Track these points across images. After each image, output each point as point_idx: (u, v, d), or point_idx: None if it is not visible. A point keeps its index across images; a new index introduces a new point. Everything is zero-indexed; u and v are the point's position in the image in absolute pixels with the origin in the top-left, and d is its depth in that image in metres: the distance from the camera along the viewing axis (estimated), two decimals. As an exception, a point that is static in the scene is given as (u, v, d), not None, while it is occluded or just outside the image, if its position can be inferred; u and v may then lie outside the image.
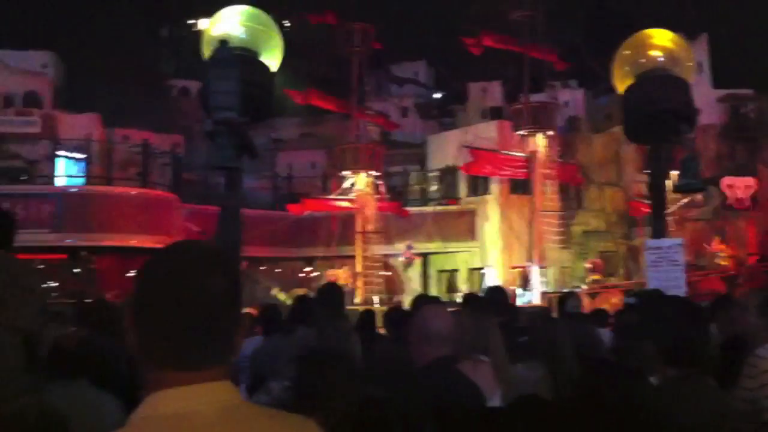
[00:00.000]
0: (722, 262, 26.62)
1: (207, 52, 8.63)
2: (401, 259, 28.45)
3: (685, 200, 28.08)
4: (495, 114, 37.12)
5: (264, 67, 8.72)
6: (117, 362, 3.87)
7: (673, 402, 2.38)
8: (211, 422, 1.34)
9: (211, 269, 1.43)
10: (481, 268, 29.88)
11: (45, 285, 23.35)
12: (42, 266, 24.32)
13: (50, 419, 2.38)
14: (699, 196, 30.06)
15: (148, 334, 1.39)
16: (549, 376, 4.30)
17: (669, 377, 2.68)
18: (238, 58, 8.04)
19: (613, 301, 20.46)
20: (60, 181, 27.13)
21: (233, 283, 1.46)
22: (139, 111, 36.83)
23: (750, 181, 29.44)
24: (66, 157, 29.04)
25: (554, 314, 10.18)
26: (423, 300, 6.47)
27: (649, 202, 11.67)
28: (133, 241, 23.57)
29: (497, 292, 7.18)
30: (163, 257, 1.45)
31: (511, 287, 27.39)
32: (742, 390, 3.71)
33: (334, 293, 5.85)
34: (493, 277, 27.57)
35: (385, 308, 15.04)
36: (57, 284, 24.12)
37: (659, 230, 10.43)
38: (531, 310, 18.87)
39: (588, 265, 28.80)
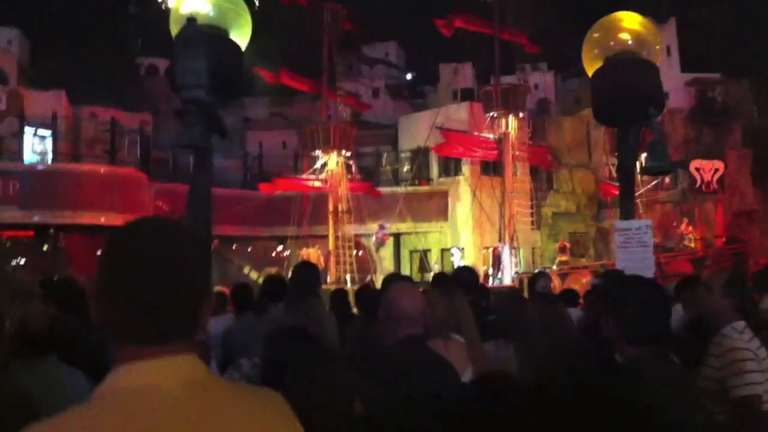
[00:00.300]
0: (690, 244, 27.02)
1: (175, 29, 8.49)
2: (373, 239, 28.50)
3: (654, 183, 28.42)
4: (466, 95, 37.14)
5: (233, 46, 8.60)
6: (85, 339, 3.84)
7: (636, 380, 2.42)
8: (175, 395, 1.33)
9: (176, 244, 1.42)
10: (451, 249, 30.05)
11: (12, 263, 23.12)
12: (8, 244, 24.05)
13: (14, 396, 2.36)
14: (667, 179, 30.49)
15: (112, 307, 1.38)
16: (518, 355, 4.35)
17: (630, 356, 2.72)
18: (206, 35, 7.90)
19: (582, 282, 20.67)
20: (27, 158, 26.73)
21: (199, 258, 1.45)
22: (106, 89, 36.37)
23: (717, 164, 29.84)
24: (33, 134, 28.63)
25: (525, 294, 10.27)
26: (394, 279, 6.49)
27: (618, 184, 11.77)
28: (102, 219, 23.33)
29: (466, 271, 7.21)
30: (129, 231, 1.44)
31: (483, 267, 27.59)
32: (707, 369, 3.77)
33: (309, 272, 5.83)
34: (460, 257, 27.71)
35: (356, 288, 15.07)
36: (24, 262, 23.88)
37: (628, 212, 10.53)
38: (501, 291, 19.04)
39: (557, 246, 29.08)
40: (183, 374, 1.37)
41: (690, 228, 28.12)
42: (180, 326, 1.41)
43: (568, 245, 29.32)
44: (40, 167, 25.46)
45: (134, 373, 1.34)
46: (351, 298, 8.58)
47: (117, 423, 1.27)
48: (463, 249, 29.18)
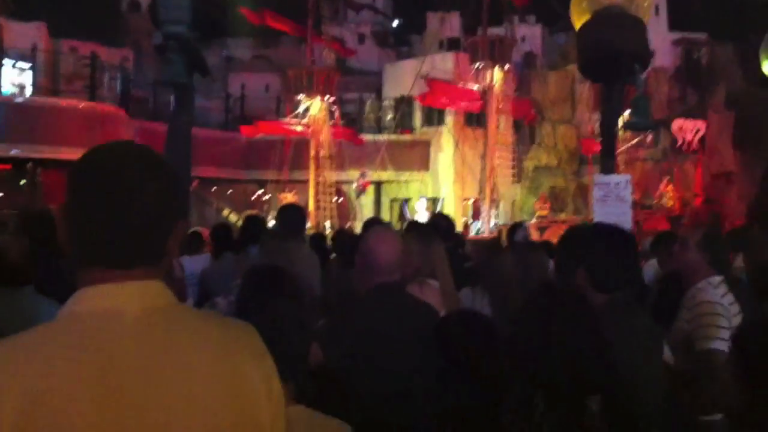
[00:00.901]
0: (669, 203, 27.26)
1: (160, -38, 8.33)
2: (354, 186, 28.46)
3: (636, 140, 28.51)
4: (452, 45, 36.82)
5: (219, -19, 8.49)
6: (60, 271, 3.82)
7: (609, 324, 2.45)
8: (138, 318, 1.32)
9: (146, 168, 1.40)
10: (433, 199, 30.14)
11: (-12, 196, 22.92)
12: (-15, 177, 23.80)
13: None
14: (649, 138, 30.57)
15: (77, 228, 1.37)
16: (492, 302, 4.40)
17: (599, 304, 2.75)
18: (192, -30, 7.79)
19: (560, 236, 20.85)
20: (5, 90, 26.25)
21: (169, 184, 1.43)
22: (87, 23, 35.64)
23: (699, 124, 29.86)
24: (12, 66, 28.08)
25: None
26: (374, 224, 6.50)
27: (601, 140, 11.79)
28: (80, 155, 23.10)
29: (442, 218, 7.25)
30: (98, 152, 1.42)
31: (463, 218, 27.73)
32: (679, 322, 3.81)
33: (294, 215, 5.80)
34: (425, 208, 27.78)
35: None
36: (1, 195, 23.66)
37: (609, 167, 10.59)
38: (480, 241, 19.16)
39: (540, 199, 29.23)
40: (146, 300, 1.35)
41: (670, 187, 28.35)
42: (149, 253, 1.40)
43: (545, 198, 29.53)
44: (18, 100, 25.03)
45: (100, 296, 1.33)
46: (329, 243, 8.62)
47: (74, 345, 1.26)
48: (434, 200, 29.31)
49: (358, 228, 21.66)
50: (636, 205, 22.54)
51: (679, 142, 29.34)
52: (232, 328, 1.47)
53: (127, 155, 1.41)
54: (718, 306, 3.67)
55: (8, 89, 26.59)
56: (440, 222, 6.94)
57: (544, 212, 28.46)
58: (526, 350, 2.15)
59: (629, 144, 28.30)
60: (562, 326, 2.14)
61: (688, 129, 29.29)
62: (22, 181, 24.27)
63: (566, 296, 2.32)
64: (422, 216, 26.16)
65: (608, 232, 2.94)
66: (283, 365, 2.24)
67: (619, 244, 2.85)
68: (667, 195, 27.72)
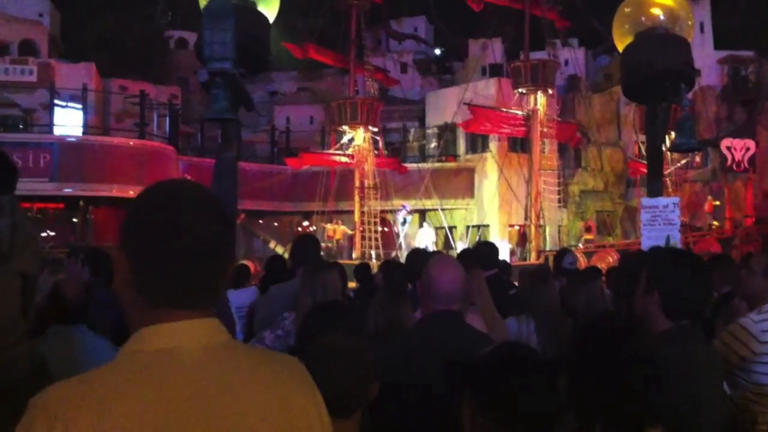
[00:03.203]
0: (714, 223, 26.80)
1: (203, 2, 8.52)
2: (398, 216, 28.48)
3: (684, 161, 28.09)
4: (494, 71, 36.81)
5: (261, 17, 8.60)
6: (114, 309, 3.89)
7: (673, 353, 2.41)
8: (197, 357, 1.36)
9: (207, 211, 1.44)
10: (478, 226, 30.01)
11: (42, 234, 23.45)
12: (39, 215, 24.37)
13: (34, 365, 2.40)
14: (697, 158, 30.11)
15: (143, 271, 1.40)
16: (539, 330, 4.36)
17: (665, 330, 2.70)
18: (234, 7, 7.93)
19: (608, 261, 20.54)
20: (58, 131, 26.97)
21: (226, 227, 1.47)
22: (136, 62, 36.53)
23: (749, 143, 29.32)
24: (63, 106, 28.87)
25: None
26: (417, 254, 6.49)
27: (647, 162, 11.64)
28: (130, 192, 23.55)
29: (485, 245, 7.21)
30: (159, 195, 1.45)
31: (509, 245, 27.53)
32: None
33: (306, 244, 5.68)
34: (426, 239, 27.30)
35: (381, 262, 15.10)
36: (53, 234, 24.18)
37: (656, 190, 10.44)
38: (527, 267, 18.98)
39: (583, 226, 28.89)
40: (206, 338, 1.40)
41: (712, 207, 27.90)
42: (212, 292, 1.45)
43: (593, 224, 29.15)
44: (70, 140, 25.70)
45: (161, 335, 1.37)
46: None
47: (138, 382, 1.30)
48: (478, 227, 29.19)
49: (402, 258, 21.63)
50: (685, 227, 22.15)
51: (729, 162, 28.82)
52: (285, 364, 1.52)
53: (188, 197, 1.44)
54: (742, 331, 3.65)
55: (61, 130, 27.28)
56: (483, 249, 6.90)
57: (590, 237, 28.10)
58: (584, 381, 2.12)
59: (677, 165, 27.89)
60: (622, 356, 2.10)
61: (737, 148, 28.76)
62: (74, 219, 24.80)
63: (625, 325, 2.28)
64: (425, 244, 25.81)
65: (686, 257, 2.90)
66: (343, 400, 2.27)
67: (696, 271, 2.80)
68: (711, 215, 27.32)
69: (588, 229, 28.40)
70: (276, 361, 1.52)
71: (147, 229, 1.40)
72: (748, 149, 29.02)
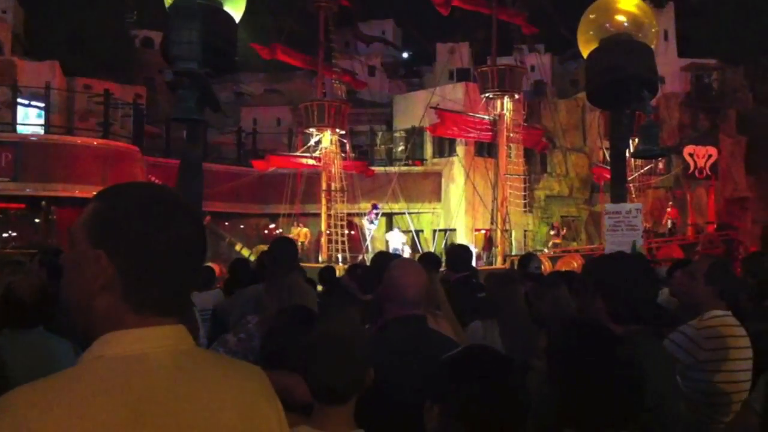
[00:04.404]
0: (667, 226, 27.39)
1: (169, 1, 8.44)
2: (365, 219, 28.47)
3: (647, 168, 28.46)
4: (462, 76, 37.01)
5: (227, 18, 8.56)
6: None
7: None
8: (162, 364, 1.36)
9: (190, 214, 1.46)
10: (445, 230, 30.11)
11: (3, 235, 23.06)
12: (0, 216, 23.96)
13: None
14: (661, 165, 30.52)
15: (138, 273, 1.38)
16: (503, 335, 4.37)
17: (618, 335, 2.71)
18: (200, 7, 7.88)
19: (573, 265, 20.73)
20: (20, 130, 26.52)
21: (205, 234, 1.50)
22: (101, 61, 36.06)
23: (711, 150, 29.82)
24: (26, 104, 28.41)
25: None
26: (383, 257, 6.48)
27: (611, 168, 11.77)
28: (94, 193, 22.99)
29: (461, 249, 7.23)
30: (145, 195, 1.45)
31: (475, 249, 27.64)
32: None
33: (286, 248, 5.73)
34: (397, 241, 27.43)
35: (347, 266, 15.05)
36: (15, 234, 23.77)
37: (619, 195, 10.55)
38: (494, 272, 19.05)
39: (552, 230, 29.08)
40: (173, 344, 1.40)
41: (674, 212, 28.35)
42: (186, 297, 1.51)
43: (558, 225, 29.43)
44: (32, 139, 25.29)
45: (127, 341, 1.36)
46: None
47: (105, 387, 1.29)
48: (445, 231, 29.28)
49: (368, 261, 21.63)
50: (648, 233, 22.43)
51: (691, 169, 29.28)
52: (248, 372, 1.54)
53: (169, 200, 1.45)
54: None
55: (23, 129, 26.85)
56: (456, 251, 6.93)
57: (558, 240, 28.32)
58: (557, 386, 2.12)
59: (640, 171, 28.25)
60: (593, 361, 2.11)
61: (699, 155, 29.24)
62: (36, 220, 24.42)
63: (595, 330, 2.28)
64: (396, 246, 25.95)
65: (627, 261, 2.91)
66: (339, 387, 2.33)
67: (636, 275, 2.81)
68: (673, 221, 27.74)
69: (557, 232, 28.64)
70: (240, 369, 1.53)
71: (140, 231, 1.39)
72: (710, 156, 29.52)
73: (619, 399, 2.04)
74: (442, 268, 7.74)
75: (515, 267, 14.73)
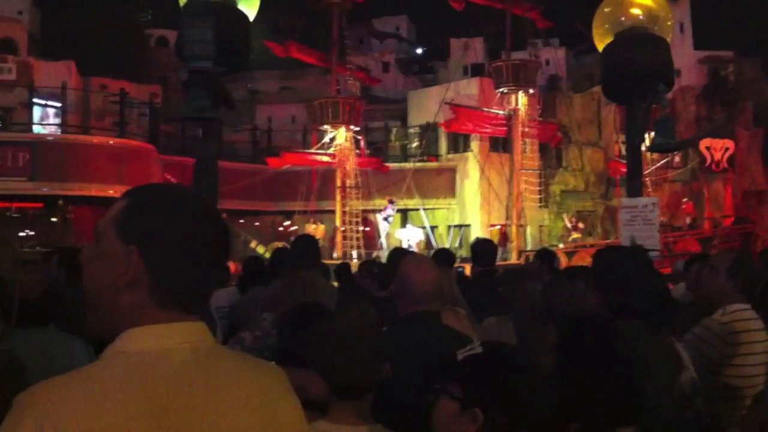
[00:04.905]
0: (687, 221, 27.17)
1: (183, 0, 8.48)
2: (380, 215, 28.47)
3: (664, 161, 28.29)
4: (476, 71, 36.89)
5: (241, 16, 8.58)
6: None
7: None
8: (185, 360, 1.37)
9: (217, 213, 1.50)
10: (460, 226, 30.05)
11: (20, 234, 23.23)
12: (17, 215, 24.12)
13: (9, 365, 2.38)
14: (677, 158, 30.33)
15: (170, 269, 1.40)
16: (517, 331, 4.35)
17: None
18: (213, 6, 7.91)
19: (588, 261, 20.63)
20: (36, 129, 26.69)
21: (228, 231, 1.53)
22: (116, 60, 36.25)
23: (728, 143, 29.63)
24: (42, 104, 28.60)
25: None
26: (399, 254, 6.48)
27: (626, 162, 11.71)
28: (110, 192, 23.36)
29: (486, 243, 7.24)
30: (177, 194, 1.48)
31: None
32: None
33: (307, 245, 5.78)
34: (412, 238, 27.25)
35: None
36: (33, 233, 23.94)
37: (635, 190, 10.50)
38: (510, 268, 19.00)
39: (569, 224, 28.94)
40: (193, 341, 1.41)
41: (690, 207, 28.15)
42: (208, 295, 1.54)
43: (580, 223, 29.25)
44: (49, 138, 25.45)
45: (149, 337, 1.37)
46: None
47: (127, 383, 1.30)
48: (461, 226, 29.20)
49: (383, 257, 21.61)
50: (665, 227, 22.29)
51: (708, 162, 29.07)
52: (268, 370, 1.55)
53: (198, 199, 1.49)
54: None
55: (40, 128, 27.02)
56: (482, 246, 6.94)
57: (578, 235, 28.16)
58: (560, 383, 2.12)
59: (657, 165, 28.08)
60: (595, 357, 2.10)
61: (716, 148, 29.04)
62: (53, 219, 24.58)
63: (596, 326, 2.28)
64: (409, 245, 25.81)
65: (623, 253, 2.89)
66: (354, 382, 2.34)
67: (634, 267, 2.79)
68: (690, 215, 27.52)
69: (575, 227, 28.50)
70: (260, 367, 1.54)
71: (169, 228, 1.41)
72: (727, 149, 29.32)
73: (617, 396, 2.03)
74: (458, 264, 7.76)
75: (530, 262, 14.71)
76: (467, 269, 10.03)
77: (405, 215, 30.99)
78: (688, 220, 27.41)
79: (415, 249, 25.52)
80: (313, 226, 27.22)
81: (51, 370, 2.89)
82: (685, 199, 28.87)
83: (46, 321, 3.49)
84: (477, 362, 1.98)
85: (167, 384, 1.32)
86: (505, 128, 28.27)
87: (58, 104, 28.61)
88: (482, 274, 6.34)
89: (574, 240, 27.49)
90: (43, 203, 24.32)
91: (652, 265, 3.03)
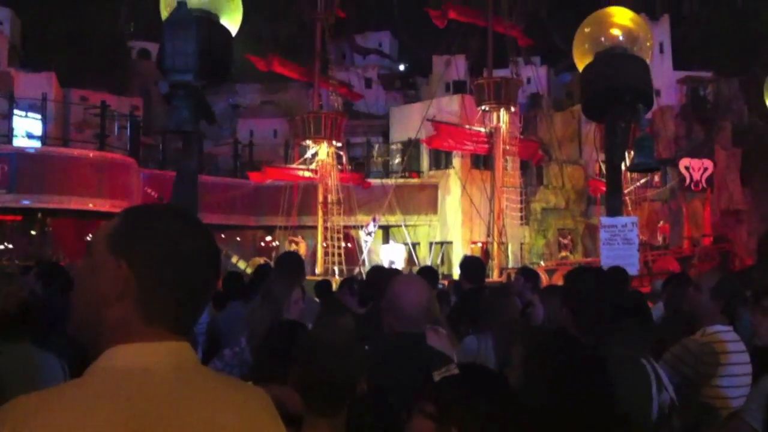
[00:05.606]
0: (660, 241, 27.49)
1: (165, 12, 8.45)
2: (362, 230, 28.46)
3: (643, 180, 28.51)
4: (458, 88, 37.05)
5: (223, 30, 8.57)
6: (61, 323, 3.80)
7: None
8: (165, 379, 1.35)
9: (208, 231, 1.49)
10: (441, 243, 30.10)
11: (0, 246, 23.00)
12: (-4, 228, 23.89)
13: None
14: (656, 177, 30.58)
15: (160, 284, 1.39)
16: (496, 348, 4.35)
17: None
18: (196, 19, 7.88)
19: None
20: (16, 141, 26.45)
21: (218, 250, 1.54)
22: (97, 72, 36.10)
23: (707, 163, 29.92)
24: (22, 116, 28.35)
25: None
26: (379, 271, 6.47)
27: (606, 180, 11.79)
28: (90, 205, 23.22)
29: (475, 261, 7.25)
30: (169, 211, 1.49)
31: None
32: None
33: (291, 262, 5.76)
34: (396, 255, 27.32)
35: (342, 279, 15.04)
36: (11, 246, 23.70)
37: (614, 208, 10.56)
38: (491, 285, 19.01)
39: (564, 240, 29.05)
40: (176, 359, 1.39)
41: (666, 228, 28.47)
42: (198, 313, 1.50)
43: (567, 241, 29.39)
44: (28, 150, 25.23)
45: (133, 354, 1.36)
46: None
47: (108, 399, 1.29)
48: (442, 243, 29.27)
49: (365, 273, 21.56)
50: (645, 246, 22.44)
51: (687, 182, 29.33)
52: (251, 392, 1.53)
53: (190, 217, 1.49)
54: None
55: (20, 141, 26.75)
56: (472, 264, 6.94)
57: (565, 253, 28.28)
58: (535, 399, 2.12)
59: (636, 184, 28.29)
60: (568, 374, 2.11)
61: (695, 167, 29.31)
62: (32, 231, 24.36)
63: (564, 343, 2.29)
64: (391, 262, 25.89)
65: (590, 274, 2.94)
66: (332, 395, 2.32)
67: (597, 287, 2.84)
68: (664, 236, 27.86)
69: (565, 246, 28.65)
70: (243, 389, 1.52)
71: (161, 243, 1.40)
72: (705, 169, 29.59)
73: (586, 413, 2.04)
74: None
75: (513, 279, 14.76)
76: (446, 285, 10.04)
77: (387, 231, 31.01)
78: (660, 240, 27.69)
79: (399, 267, 25.54)
80: (294, 246, 27.12)
81: (24, 386, 2.85)
82: (660, 222, 29.14)
83: (22, 335, 3.44)
84: (453, 382, 1.98)
85: (149, 401, 1.31)
86: (486, 145, 28.39)
87: (38, 116, 28.38)
88: (471, 291, 6.34)
89: (563, 258, 27.62)
90: (22, 216, 24.10)
91: (619, 284, 3.09)
